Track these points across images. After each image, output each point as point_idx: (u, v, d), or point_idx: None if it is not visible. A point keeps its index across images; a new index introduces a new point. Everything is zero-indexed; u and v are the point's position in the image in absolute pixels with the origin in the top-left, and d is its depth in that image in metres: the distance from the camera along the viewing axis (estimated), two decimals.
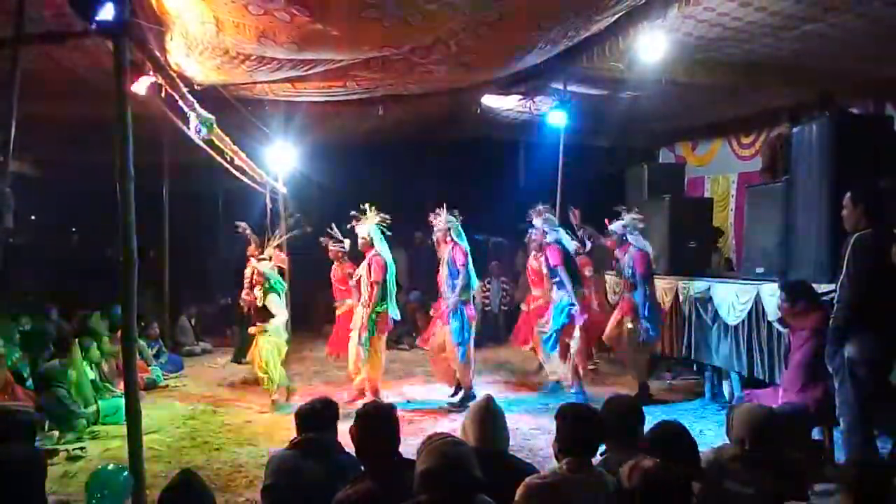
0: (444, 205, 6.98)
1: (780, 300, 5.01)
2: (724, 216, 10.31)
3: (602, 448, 2.93)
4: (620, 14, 5.55)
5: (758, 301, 6.08)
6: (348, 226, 6.93)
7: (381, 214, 6.82)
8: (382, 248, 6.72)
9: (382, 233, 6.79)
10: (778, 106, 8.83)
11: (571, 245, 7.03)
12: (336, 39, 4.80)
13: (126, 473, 2.93)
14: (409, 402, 6.96)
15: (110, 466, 3.00)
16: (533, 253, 7.74)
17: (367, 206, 6.78)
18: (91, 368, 6.75)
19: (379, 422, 2.81)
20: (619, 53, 6.40)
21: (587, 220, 8.18)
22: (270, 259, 7.19)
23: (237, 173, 7.22)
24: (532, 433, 5.74)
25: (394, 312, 6.80)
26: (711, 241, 8.59)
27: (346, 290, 7.71)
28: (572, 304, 6.76)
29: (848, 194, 4.21)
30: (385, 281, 6.67)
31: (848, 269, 4.01)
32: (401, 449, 2.82)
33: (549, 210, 7.27)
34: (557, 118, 8.27)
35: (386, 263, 6.67)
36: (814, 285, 5.10)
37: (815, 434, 4.79)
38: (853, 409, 4.03)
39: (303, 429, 3.25)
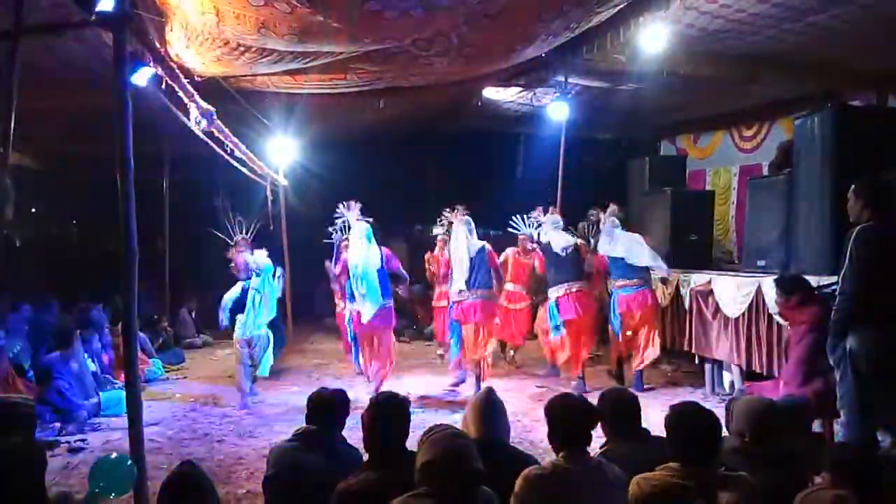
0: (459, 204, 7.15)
1: (775, 295, 5.01)
2: (725, 209, 10.30)
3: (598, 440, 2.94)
4: (622, 6, 5.52)
5: (758, 294, 6.08)
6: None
7: (361, 213, 6.76)
8: (355, 245, 6.61)
9: (373, 227, 6.73)
10: (780, 98, 8.82)
11: (561, 244, 7.03)
12: (337, 31, 4.78)
13: (129, 462, 2.93)
14: (409, 394, 6.96)
15: (113, 455, 2.99)
16: (520, 252, 7.81)
17: (349, 203, 6.77)
18: (92, 361, 6.77)
19: (390, 413, 2.82)
20: (621, 45, 6.37)
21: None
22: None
23: (238, 165, 7.22)
24: (533, 425, 5.75)
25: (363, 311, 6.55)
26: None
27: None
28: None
29: (851, 186, 4.20)
30: (346, 279, 6.66)
31: (850, 261, 4.00)
32: None
33: (539, 213, 7.43)
34: (558, 110, 8.26)
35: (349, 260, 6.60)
36: (815, 278, 5.10)
37: (816, 427, 4.80)
38: (854, 402, 4.03)
39: (312, 417, 3.26)
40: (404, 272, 7.17)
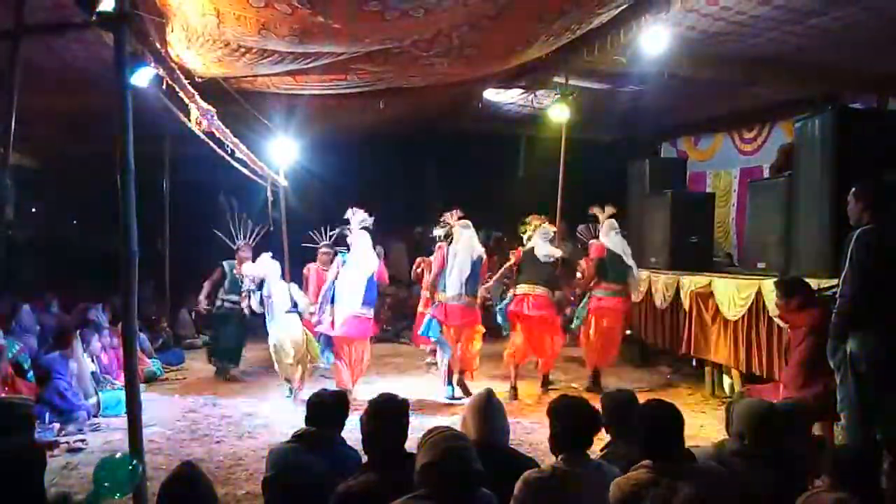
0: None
1: (775, 298, 5.01)
2: (725, 211, 10.28)
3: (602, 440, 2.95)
4: (623, 7, 5.52)
5: (758, 296, 6.08)
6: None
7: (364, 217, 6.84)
8: (353, 252, 6.70)
9: (370, 231, 6.80)
10: (780, 101, 8.81)
11: (544, 252, 7.15)
12: (337, 32, 4.78)
13: (134, 462, 2.92)
14: (408, 396, 6.94)
15: (118, 455, 2.99)
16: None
17: (353, 210, 6.85)
18: (92, 360, 6.76)
19: (390, 415, 2.82)
20: (622, 47, 6.37)
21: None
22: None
23: (238, 166, 7.22)
24: (532, 427, 5.75)
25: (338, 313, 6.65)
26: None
27: None
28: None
29: (852, 189, 4.21)
30: (330, 284, 6.76)
31: (850, 264, 4.00)
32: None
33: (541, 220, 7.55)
34: (559, 112, 8.26)
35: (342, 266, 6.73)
36: (816, 280, 5.10)
37: (816, 430, 4.79)
38: (854, 405, 4.03)
39: (311, 419, 3.26)
40: (387, 282, 7.36)
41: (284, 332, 6.72)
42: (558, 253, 7.23)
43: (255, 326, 7.75)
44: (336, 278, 6.74)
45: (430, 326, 6.96)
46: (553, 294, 7.19)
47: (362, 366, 6.89)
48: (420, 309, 8.50)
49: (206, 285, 8.07)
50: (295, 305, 6.91)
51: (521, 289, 7.11)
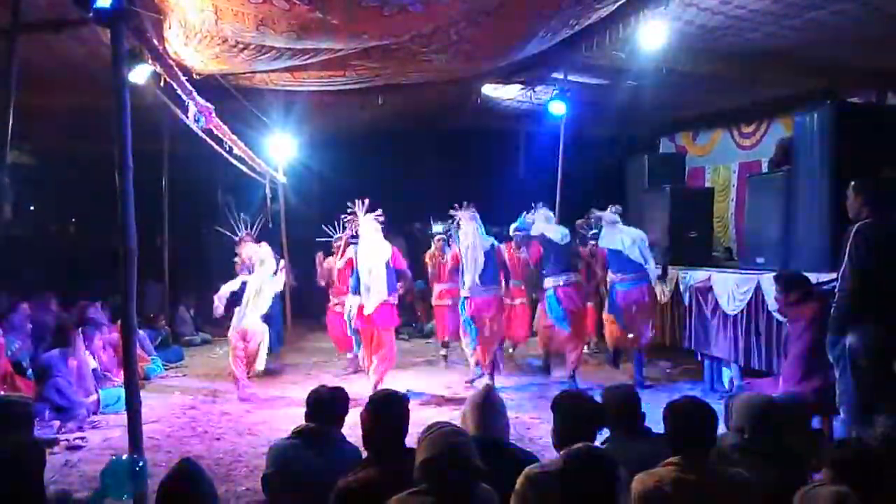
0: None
1: (774, 292, 5.02)
2: (724, 206, 10.29)
3: (604, 436, 2.95)
4: (622, 2, 5.51)
5: (757, 291, 6.09)
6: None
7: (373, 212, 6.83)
8: (367, 240, 6.69)
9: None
10: (779, 96, 8.80)
11: (558, 232, 7.13)
12: (335, 28, 4.77)
13: (142, 464, 2.93)
14: (409, 391, 6.95)
15: (124, 457, 2.99)
16: (512, 247, 7.84)
17: (359, 202, 6.84)
18: (92, 358, 6.76)
19: (389, 410, 2.81)
20: (620, 42, 6.36)
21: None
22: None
23: (237, 163, 7.22)
24: (532, 422, 5.75)
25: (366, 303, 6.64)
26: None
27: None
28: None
29: (851, 184, 4.21)
30: (351, 273, 6.81)
31: (849, 258, 4.01)
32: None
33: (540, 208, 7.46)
34: (558, 108, 8.25)
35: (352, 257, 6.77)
36: (814, 275, 5.11)
37: (815, 423, 4.80)
38: (853, 398, 4.04)
39: (310, 416, 3.26)
40: (409, 272, 7.28)
41: (245, 323, 6.78)
42: (567, 230, 7.23)
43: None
44: (357, 268, 6.67)
45: (468, 324, 6.96)
46: (580, 277, 7.23)
47: (392, 355, 6.82)
48: (434, 301, 8.52)
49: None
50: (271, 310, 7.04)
51: (548, 282, 7.09)
